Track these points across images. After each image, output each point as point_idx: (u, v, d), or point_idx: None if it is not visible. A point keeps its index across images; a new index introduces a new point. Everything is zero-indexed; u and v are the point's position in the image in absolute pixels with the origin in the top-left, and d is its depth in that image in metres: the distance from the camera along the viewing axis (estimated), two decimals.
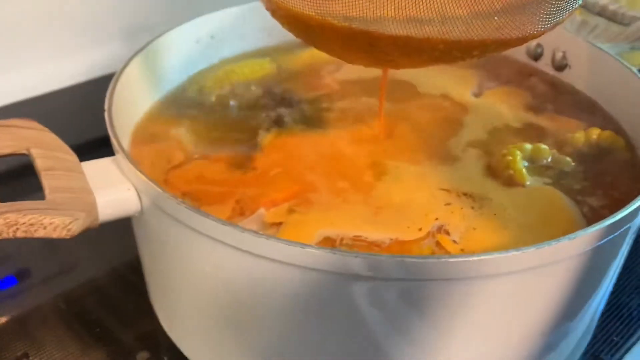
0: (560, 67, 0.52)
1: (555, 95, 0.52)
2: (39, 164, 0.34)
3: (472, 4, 0.30)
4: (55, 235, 0.30)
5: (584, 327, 0.41)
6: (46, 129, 0.38)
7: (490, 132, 0.47)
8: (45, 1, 0.69)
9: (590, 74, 0.50)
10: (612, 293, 0.47)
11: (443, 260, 0.28)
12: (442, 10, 0.31)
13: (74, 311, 0.48)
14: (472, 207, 0.40)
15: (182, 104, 0.51)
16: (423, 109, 0.49)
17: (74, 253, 0.52)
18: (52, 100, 0.70)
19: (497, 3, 0.30)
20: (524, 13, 0.32)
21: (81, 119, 0.64)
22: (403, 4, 0.31)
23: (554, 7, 0.33)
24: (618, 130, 0.46)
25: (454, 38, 0.32)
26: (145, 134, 0.47)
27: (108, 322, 0.47)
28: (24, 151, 0.36)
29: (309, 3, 0.32)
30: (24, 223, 0.29)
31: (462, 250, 0.36)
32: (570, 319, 0.37)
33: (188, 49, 0.53)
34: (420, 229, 0.38)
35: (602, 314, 0.45)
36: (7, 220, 0.29)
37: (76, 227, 0.30)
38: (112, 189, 0.35)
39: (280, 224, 0.38)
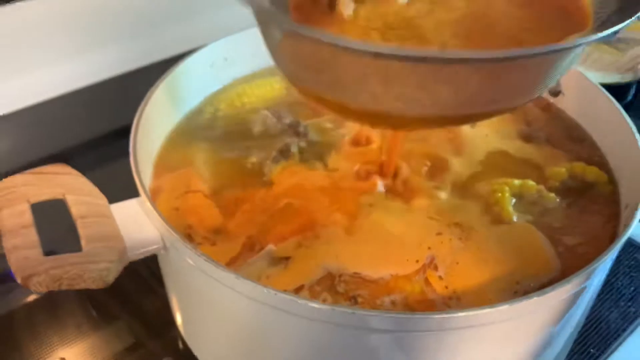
0: (555, 93, 0.55)
1: (548, 120, 0.55)
2: (74, 211, 0.39)
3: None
4: (93, 286, 0.35)
5: (561, 345, 0.46)
6: (79, 173, 0.42)
7: (484, 163, 0.50)
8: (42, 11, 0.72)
9: (581, 103, 0.53)
10: (592, 307, 0.51)
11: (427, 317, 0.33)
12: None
13: (104, 318, 0.53)
14: (460, 238, 0.44)
15: (198, 127, 0.55)
16: (418, 138, 0.52)
17: None
18: (59, 102, 0.74)
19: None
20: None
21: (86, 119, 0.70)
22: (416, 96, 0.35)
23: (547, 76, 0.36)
24: (603, 162, 0.50)
25: (464, 114, 0.36)
26: (165, 161, 0.51)
27: (136, 329, 0.52)
28: (60, 197, 0.40)
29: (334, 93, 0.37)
30: (67, 277, 0.34)
31: (446, 287, 0.40)
32: (550, 343, 0.42)
33: (203, 73, 0.57)
34: (417, 261, 0.42)
35: (581, 327, 0.50)
36: (53, 276, 0.33)
37: (111, 277, 0.35)
38: (139, 233, 0.40)
39: (288, 258, 0.42)
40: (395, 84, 0.35)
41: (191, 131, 0.54)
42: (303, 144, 0.52)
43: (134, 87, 0.67)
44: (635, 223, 0.39)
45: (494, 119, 0.54)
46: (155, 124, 0.51)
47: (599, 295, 0.53)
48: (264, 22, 0.38)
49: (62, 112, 0.75)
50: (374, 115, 0.37)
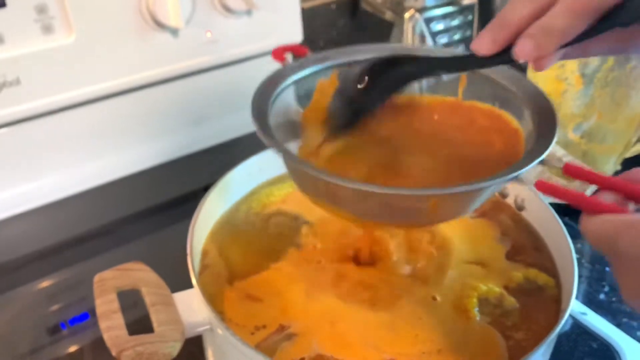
0: (520, 208, 0.69)
1: (517, 231, 0.68)
2: (148, 300, 0.53)
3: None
4: None
5: None
6: (149, 268, 0.57)
7: (460, 265, 0.63)
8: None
9: (539, 218, 0.67)
10: None
11: None
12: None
13: None
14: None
15: (235, 222, 0.69)
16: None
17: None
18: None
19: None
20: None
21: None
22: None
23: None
24: (553, 269, 0.63)
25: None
26: (209, 252, 0.65)
27: None
28: (137, 288, 0.55)
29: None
30: (147, 353, 0.48)
31: None
32: None
33: (242, 180, 0.72)
34: None
35: None
36: (138, 352, 0.48)
37: (175, 353, 0.49)
38: (194, 318, 0.54)
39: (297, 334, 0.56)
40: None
41: (229, 225, 0.69)
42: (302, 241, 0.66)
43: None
44: (562, 324, 0.52)
45: (472, 227, 0.69)
46: (204, 221, 0.65)
47: None
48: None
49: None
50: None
